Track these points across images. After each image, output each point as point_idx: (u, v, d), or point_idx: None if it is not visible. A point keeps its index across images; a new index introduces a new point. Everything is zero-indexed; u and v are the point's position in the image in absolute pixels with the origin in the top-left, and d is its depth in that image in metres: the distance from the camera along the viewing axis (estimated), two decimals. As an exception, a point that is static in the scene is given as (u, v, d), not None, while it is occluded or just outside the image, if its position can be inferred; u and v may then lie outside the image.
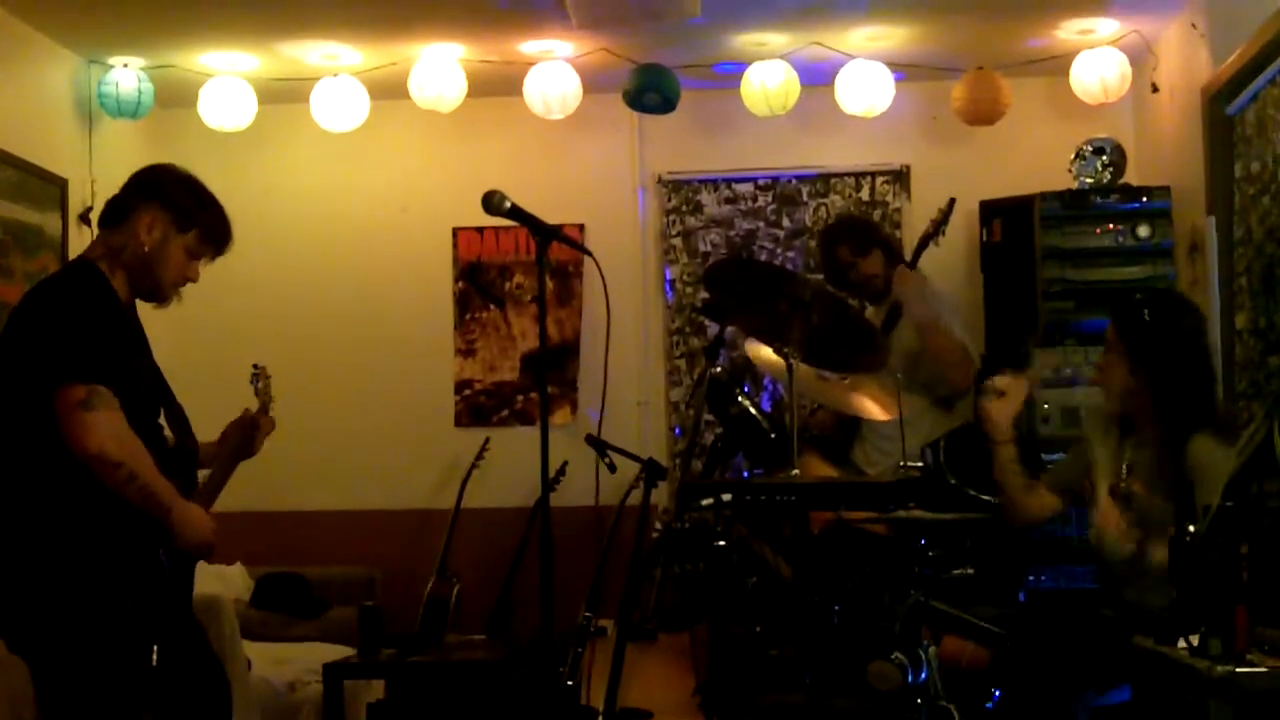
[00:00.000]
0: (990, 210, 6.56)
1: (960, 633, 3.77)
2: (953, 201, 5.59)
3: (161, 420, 3.70)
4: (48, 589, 3.43)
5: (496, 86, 6.77)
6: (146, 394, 3.64)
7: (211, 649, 3.87)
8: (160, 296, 3.72)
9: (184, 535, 3.52)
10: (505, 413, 7.24)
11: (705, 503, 4.24)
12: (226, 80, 6.73)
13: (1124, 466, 4.05)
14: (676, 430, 7.11)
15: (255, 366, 4.06)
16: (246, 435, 3.95)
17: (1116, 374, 4.09)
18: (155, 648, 3.48)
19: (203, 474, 3.85)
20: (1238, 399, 5.40)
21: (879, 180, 7.16)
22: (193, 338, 6.45)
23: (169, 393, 3.78)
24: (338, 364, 7.22)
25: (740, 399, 4.46)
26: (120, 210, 3.68)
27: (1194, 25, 5.89)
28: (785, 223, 7.17)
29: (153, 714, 3.59)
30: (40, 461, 3.44)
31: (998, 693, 3.69)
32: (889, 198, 7.14)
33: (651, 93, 6.61)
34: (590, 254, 3.90)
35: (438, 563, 6.54)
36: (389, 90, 6.71)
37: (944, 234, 5.59)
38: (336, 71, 6.71)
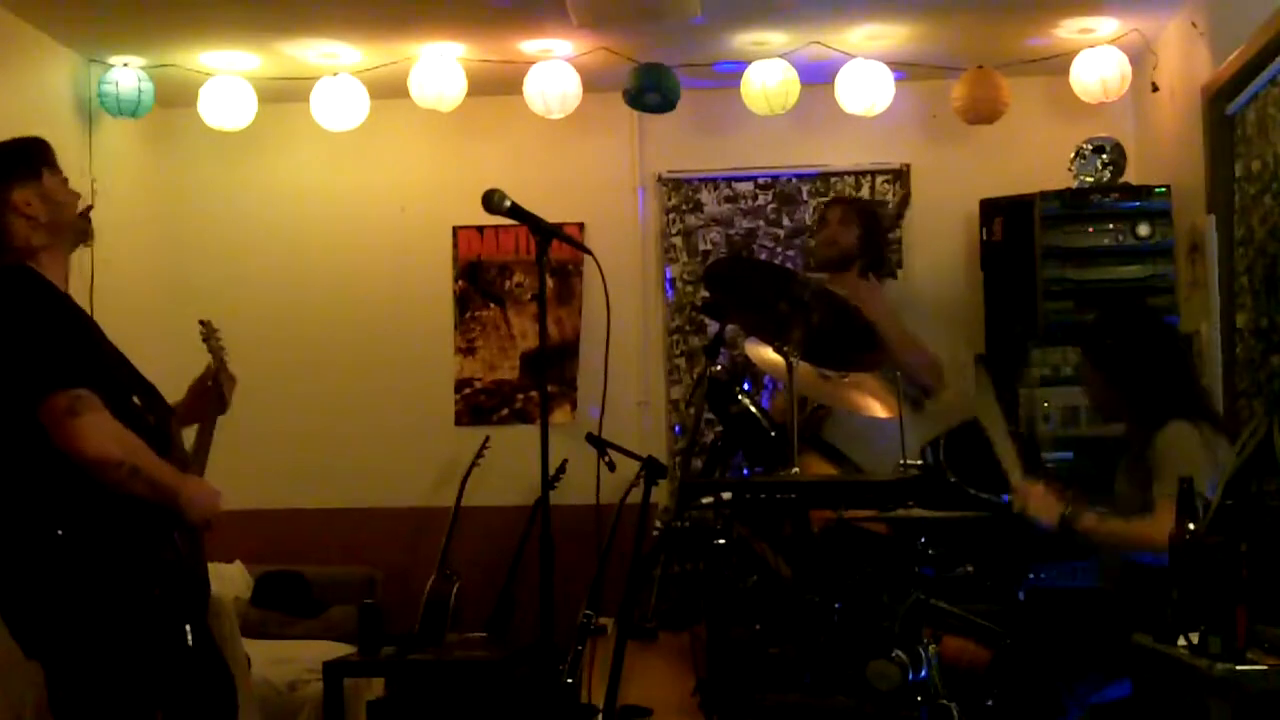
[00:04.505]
0: (990, 209, 6.55)
1: (960, 631, 3.77)
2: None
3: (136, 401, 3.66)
4: (72, 594, 3.40)
5: (496, 85, 6.78)
6: (119, 379, 3.60)
7: (217, 645, 3.87)
8: (83, 233, 3.70)
9: (193, 513, 3.52)
10: (505, 411, 7.24)
11: (705, 501, 4.23)
12: (226, 79, 6.73)
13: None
14: (676, 429, 7.11)
15: (202, 323, 4.03)
16: (215, 392, 3.93)
17: (1094, 390, 4.32)
18: (188, 627, 3.48)
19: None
20: (1238, 398, 5.41)
21: (879, 179, 7.16)
22: (190, 336, 6.44)
23: (136, 372, 3.73)
24: (338, 362, 7.23)
25: (740, 398, 4.46)
26: None
27: (1194, 24, 5.89)
28: (785, 222, 7.16)
29: (164, 713, 3.59)
30: (39, 475, 3.42)
31: (998, 691, 3.69)
32: (889, 197, 7.14)
33: (652, 92, 6.61)
34: (590, 253, 3.91)
35: (438, 561, 6.53)
36: (389, 89, 6.71)
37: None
38: (336, 71, 6.71)
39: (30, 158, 3.62)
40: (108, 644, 3.41)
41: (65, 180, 3.68)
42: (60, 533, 3.41)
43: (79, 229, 3.70)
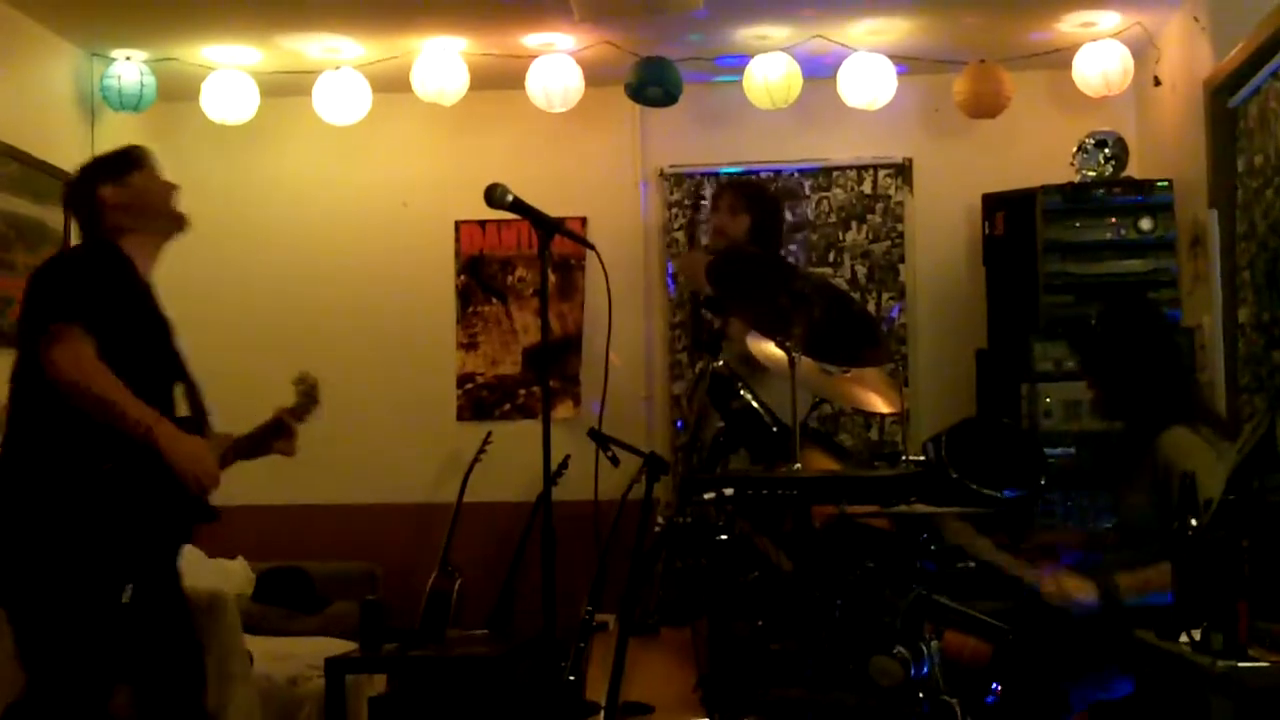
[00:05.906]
0: (992, 203, 6.54)
1: (962, 627, 3.76)
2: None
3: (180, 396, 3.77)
4: (33, 536, 3.48)
5: (498, 80, 6.77)
6: (160, 363, 3.71)
7: (186, 613, 3.87)
8: (175, 221, 3.94)
9: (176, 458, 3.49)
10: (507, 406, 7.24)
11: (707, 496, 4.23)
12: (228, 73, 6.74)
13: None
14: (679, 424, 7.10)
15: (303, 377, 4.32)
16: (269, 431, 4.03)
17: (1092, 394, 4.27)
18: (129, 587, 3.49)
19: None
20: (1240, 393, 5.40)
21: (881, 173, 7.15)
22: (193, 331, 6.42)
23: (187, 371, 3.81)
24: (339, 358, 7.21)
25: (742, 393, 4.44)
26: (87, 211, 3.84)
27: (1196, 18, 5.88)
28: (787, 216, 7.13)
29: (129, 685, 3.62)
30: (38, 411, 3.53)
31: (999, 687, 3.68)
32: (891, 191, 7.13)
33: (654, 86, 6.61)
34: (592, 247, 3.90)
35: (440, 557, 6.53)
36: (391, 83, 6.71)
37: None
38: (338, 65, 6.71)
39: (119, 163, 3.90)
40: (50, 590, 3.47)
41: (156, 176, 3.94)
42: (39, 474, 3.50)
43: (170, 217, 3.92)
